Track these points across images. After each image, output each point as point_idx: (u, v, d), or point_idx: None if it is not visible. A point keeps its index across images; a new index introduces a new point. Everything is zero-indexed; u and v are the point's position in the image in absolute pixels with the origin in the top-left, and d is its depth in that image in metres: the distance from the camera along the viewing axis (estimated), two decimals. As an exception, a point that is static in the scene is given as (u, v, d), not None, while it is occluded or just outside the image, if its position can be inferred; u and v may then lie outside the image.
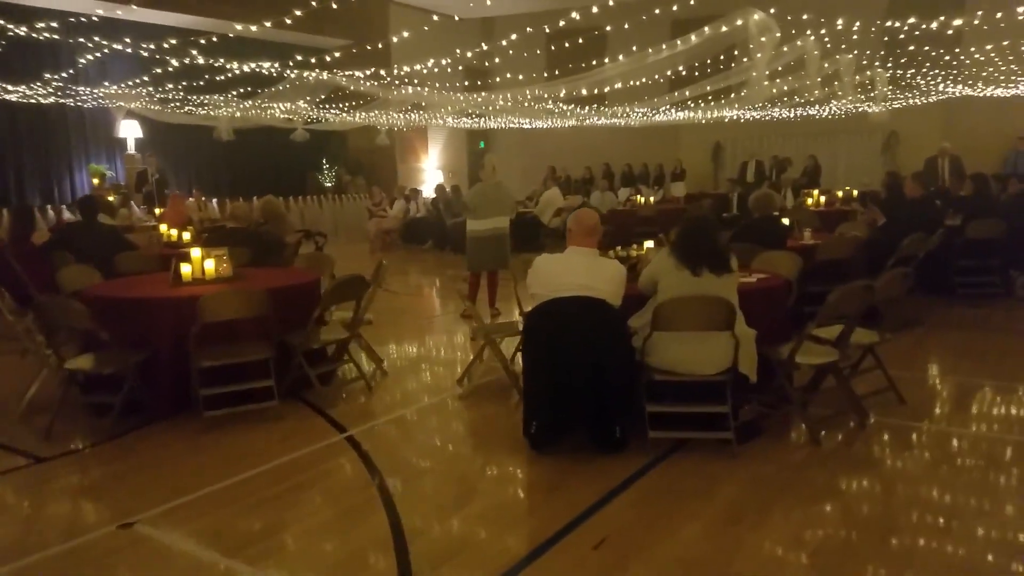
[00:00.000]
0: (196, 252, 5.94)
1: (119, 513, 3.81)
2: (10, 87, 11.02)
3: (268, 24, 9.05)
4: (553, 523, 3.61)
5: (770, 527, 3.56)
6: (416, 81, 12.04)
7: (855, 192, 12.73)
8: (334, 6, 9.77)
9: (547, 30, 12.44)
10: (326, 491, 4.09)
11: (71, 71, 10.58)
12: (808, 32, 8.17)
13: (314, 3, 9.53)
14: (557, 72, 13.24)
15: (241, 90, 11.08)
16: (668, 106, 13.01)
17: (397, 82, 11.00)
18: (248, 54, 10.93)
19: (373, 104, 11.79)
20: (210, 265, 5.87)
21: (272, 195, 9.62)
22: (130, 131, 14.58)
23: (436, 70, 11.21)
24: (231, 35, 9.92)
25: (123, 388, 4.98)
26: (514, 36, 11.00)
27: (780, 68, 9.00)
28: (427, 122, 15.69)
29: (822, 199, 12.77)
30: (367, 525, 3.64)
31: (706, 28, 7.21)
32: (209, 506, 3.93)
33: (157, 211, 12.80)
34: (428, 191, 17.69)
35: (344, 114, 12.55)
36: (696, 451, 4.47)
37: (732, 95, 9.66)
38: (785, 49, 8.12)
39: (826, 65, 8.95)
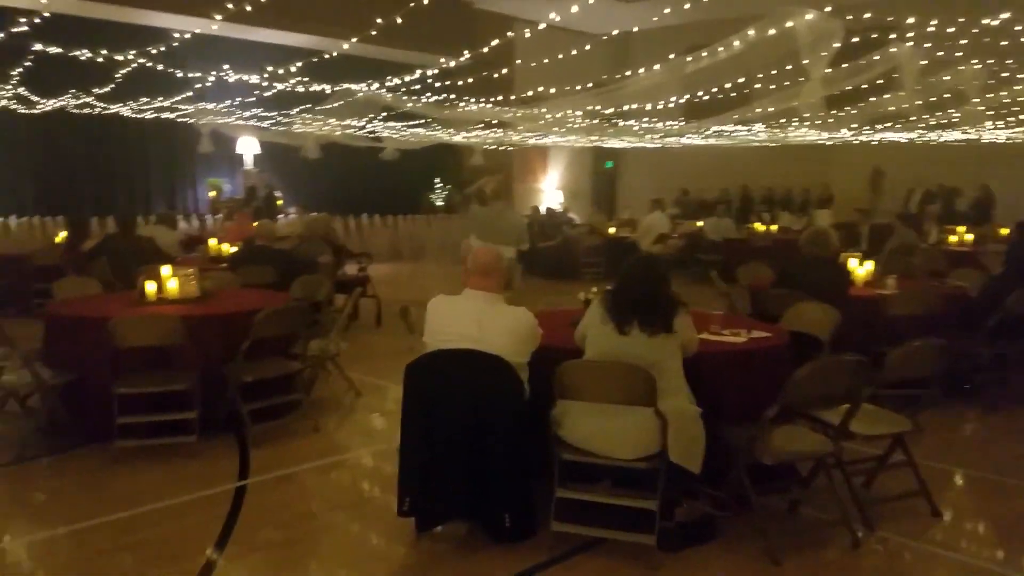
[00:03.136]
0: (165, 270, 5.69)
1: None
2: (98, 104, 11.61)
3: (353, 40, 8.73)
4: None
5: None
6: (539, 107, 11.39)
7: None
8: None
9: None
10: (154, 555, 3.55)
11: (109, 85, 10.86)
12: (909, 34, 6.69)
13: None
14: (700, 94, 12.12)
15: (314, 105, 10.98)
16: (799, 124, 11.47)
17: (455, 103, 10.48)
18: (352, 74, 10.89)
19: (446, 122, 11.38)
20: (173, 284, 5.58)
21: (327, 213, 9.37)
22: (247, 147, 15.13)
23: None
24: (335, 54, 9.70)
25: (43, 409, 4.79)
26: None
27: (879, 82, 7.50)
28: (525, 140, 15.05)
29: (969, 236, 10.86)
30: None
31: (751, 31, 6.06)
32: (37, 552, 3.59)
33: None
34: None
35: (425, 131, 12.23)
36: (612, 554, 3.54)
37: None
38: (876, 58, 6.73)
39: (946, 78, 7.36)
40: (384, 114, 11.06)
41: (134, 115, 12.57)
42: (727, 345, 4.16)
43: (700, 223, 15.91)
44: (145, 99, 11.32)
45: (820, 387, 3.52)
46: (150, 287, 5.59)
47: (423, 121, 11.79)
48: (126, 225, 7.82)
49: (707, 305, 7.95)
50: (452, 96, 11.79)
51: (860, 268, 6.44)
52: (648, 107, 11.85)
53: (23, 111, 11.74)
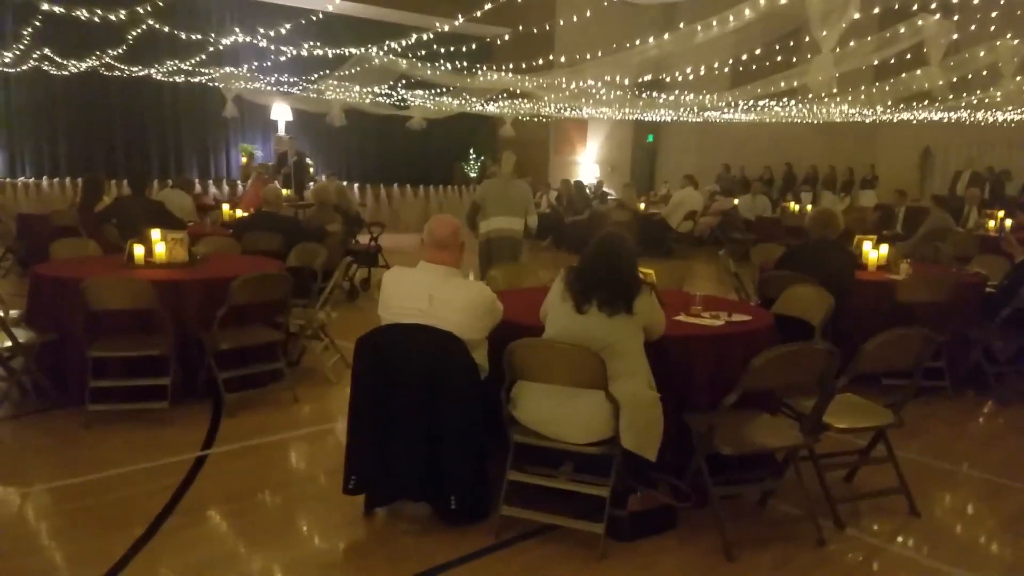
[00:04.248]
0: (155, 234, 5.67)
1: None
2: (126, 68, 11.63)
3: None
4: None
5: None
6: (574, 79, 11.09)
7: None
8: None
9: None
10: (90, 523, 3.48)
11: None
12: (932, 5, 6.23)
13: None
14: (747, 57, 11.58)
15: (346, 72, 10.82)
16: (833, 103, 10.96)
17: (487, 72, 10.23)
18: (373, 36, 10.72)
19: (469, 90, 11.14)
20: (161, 248, 5.56)
21: (338, 180, 9.28)
22: (281, 114, 15.15)
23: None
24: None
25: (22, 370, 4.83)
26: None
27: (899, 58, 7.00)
28: (560, 112, 14.72)
29: (1008, 222, 10.30)
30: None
31: (761, 0, 5.71)
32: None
33: (286, 192, 13.04)
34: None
35: (451, 100, 12.02)
36: (563, 540, 3.40)
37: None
38: (902, 31, 6.28)
39: (982, 53, 6.86)
40: (404, 81, 10.91)
41: (166, 79, 12.63)
42: (701, 328, 3.95)
43: (736, 201, 15.48)
44: (170, 62, 11.33)
45: (784, 376, 3.31)
46: (137, 251, 5.60)
47: (449, 89, 11.61)
48: (138, 187, 7.84)
49: (720, 286, 7.73)
50: (487, 64, 11.54)
51: (873, 251, 6.12)
52: (689, 77, 11.45)
53: (55, 73, 11.87)
